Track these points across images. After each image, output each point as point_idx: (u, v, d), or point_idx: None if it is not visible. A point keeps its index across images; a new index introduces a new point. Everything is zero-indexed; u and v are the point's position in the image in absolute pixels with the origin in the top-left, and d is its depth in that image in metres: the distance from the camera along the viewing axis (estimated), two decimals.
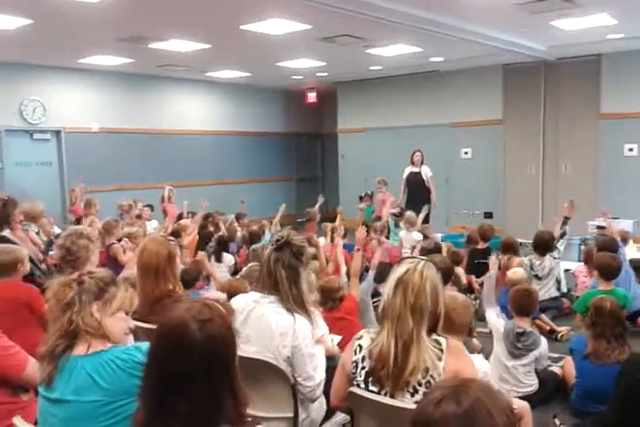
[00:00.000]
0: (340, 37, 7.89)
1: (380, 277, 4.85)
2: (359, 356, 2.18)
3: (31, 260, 3.87)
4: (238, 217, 8.19)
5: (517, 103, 10.57)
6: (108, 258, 5.15)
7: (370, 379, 2.13)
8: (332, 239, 5.50)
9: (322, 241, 6.23)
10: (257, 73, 11.07)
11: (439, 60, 9.98)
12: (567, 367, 3.84)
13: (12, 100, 9.42)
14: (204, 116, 12.21)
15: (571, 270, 6.33)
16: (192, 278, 4.60)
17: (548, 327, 5.05)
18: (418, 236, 7.12)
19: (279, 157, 13.76)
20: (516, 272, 5.01)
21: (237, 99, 12.63)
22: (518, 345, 3.72)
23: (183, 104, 11.81)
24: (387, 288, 2.17)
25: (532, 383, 3.75)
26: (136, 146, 10.87)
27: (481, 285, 5.25)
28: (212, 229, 7.03)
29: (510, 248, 5.87)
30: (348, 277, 4.44)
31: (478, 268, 5.95)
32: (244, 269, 5.16)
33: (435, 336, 2.11)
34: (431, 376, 2.03)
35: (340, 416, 2.81)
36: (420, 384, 2.04)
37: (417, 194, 9.31)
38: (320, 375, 2.61)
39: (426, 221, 8.08)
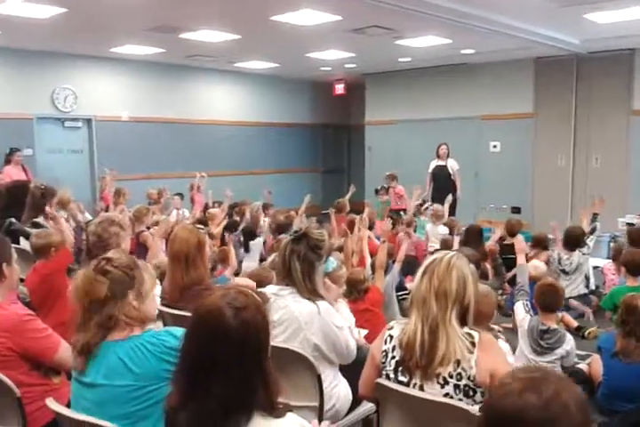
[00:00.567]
0: (369, 28, 7.82)
1: (406, 269, 4.86)
2: (389, 345, 2.17)
3: None
4: (264, 207, 8.22)
5: (548, 97, 10.39)
6: (137, 245, 5.22)
7: (399, 369, 2.12)
8: (359, 230, 5.48)
9: None
10: (285, 64, 11.05)
11: (470, 52, 9.84)
12: (594, 365, 3.78)
13: (45, 89, 9.55)
14: (231, 106, 12.24)
15: (599, 267, 6.25)
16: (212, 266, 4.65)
17: (575, 324, 5.00)
18: (444, 230, 7.08)
19: (305, 149, 13.75)
20: (537, 268, 4.97)
21: (265, 90, 12.64)
22: (542, 343, 3.67)
23: (212, 94, 11.87)
24: (416, 279, 2.17)
25: None
26: (165, 135, 10.97)
27: (512, 278, 5.21)
28: (237, 218, 7.07)
29: (540, 243, 5.84)
30: (373, 270, 4.44)
31: (507, 263, 5.91)
32: (269, 258, 5.18)
33: (467, 329, 2.08)
34: (462, 369, 2.01)
35: (365, 407, 2.83)
36: (450, 376, 2.03)
37: (443, 188, 9.22)
38: (353, 345, 2.70)
39: (451, 213, 8.02)
